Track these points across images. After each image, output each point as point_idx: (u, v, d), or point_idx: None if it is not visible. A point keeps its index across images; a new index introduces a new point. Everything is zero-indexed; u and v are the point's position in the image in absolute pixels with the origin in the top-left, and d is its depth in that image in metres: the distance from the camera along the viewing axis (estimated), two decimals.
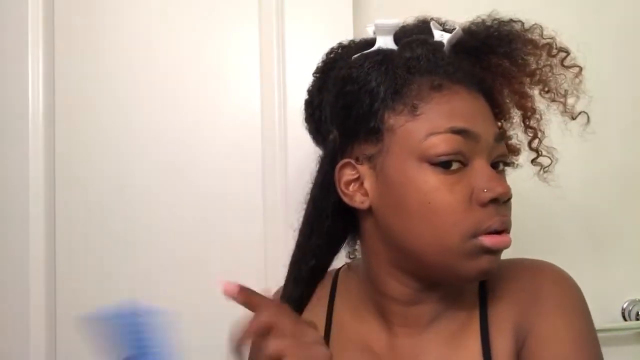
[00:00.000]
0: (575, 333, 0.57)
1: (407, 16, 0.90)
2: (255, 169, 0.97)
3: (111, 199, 0.96)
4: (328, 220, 0.63)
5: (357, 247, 0.70)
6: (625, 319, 1.04)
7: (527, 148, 0.66)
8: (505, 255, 0.66)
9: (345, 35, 0.97)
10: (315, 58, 0.96)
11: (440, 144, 0.55)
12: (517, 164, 0.66)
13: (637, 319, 1.03)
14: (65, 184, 0.97)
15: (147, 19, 0.99)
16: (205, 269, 0.96)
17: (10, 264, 0.95)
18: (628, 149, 1.06)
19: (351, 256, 0.73)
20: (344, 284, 0.69)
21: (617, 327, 1.02)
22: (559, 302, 0.58)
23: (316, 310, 0.67)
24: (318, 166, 0.64)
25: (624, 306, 1.04)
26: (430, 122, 0.56)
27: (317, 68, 0.68)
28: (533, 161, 0.65)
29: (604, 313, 1.00)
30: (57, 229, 0.96)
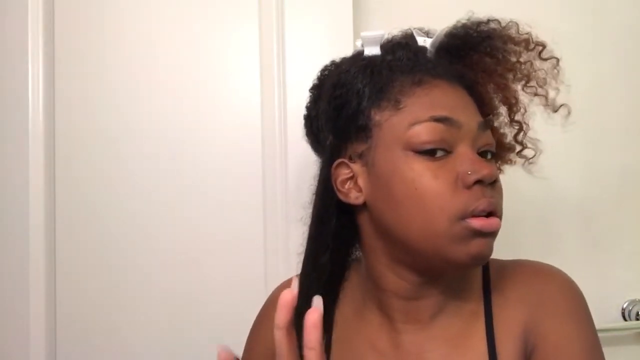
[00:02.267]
0: (584, 341, 0.58)
1: (405, 16, 0.91)
2: (255, 168, 0.97)
3: (111, 198, 0.96)
4: (333, 221, 0.64)
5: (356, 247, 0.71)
6: (625, 319, 1.04)
7: (513, 141, 0.67)
8: (507, 256, 0.66)
9: (346, 35, 0.97)
10: (315, 58, 0.96)
11: (423, 132, 0.57)
12: (514, 162, 0.67)
13: (637, 319, 1.03)
14: (65, 184, 0.97)
15: (147, 19, 0.98)
16: (205, 268, 0.96)
17: (10, 264, 0.95)
18: (628, 149, 1.06)
19: (352, 257, 0.73)
20: (346, 286, 0.70)
21: (617, 327, 1.02)
22: (569, 310, 0.59)
23: None
24: (319, 171, 0.66)
25: (624, 306, 1.04)
26: (412, 113, 0.59)
27: (313, 85, 0.71)
28: (518, 153, 0.67)
29: (604, 313, 1.00)
30: (57, 229, 0.96)
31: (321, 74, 0.71)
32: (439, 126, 0.57)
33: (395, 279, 0.62)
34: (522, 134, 0.66)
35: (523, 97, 0.65)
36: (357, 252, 0.71)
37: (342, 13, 0.98)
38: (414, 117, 0.58)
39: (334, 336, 0.67)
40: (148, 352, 0.95)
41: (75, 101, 0.97)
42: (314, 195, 0.66)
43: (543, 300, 0.60)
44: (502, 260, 0.65)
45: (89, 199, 0.96)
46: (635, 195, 1.06)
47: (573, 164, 1.01)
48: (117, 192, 0.96)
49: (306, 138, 0.72)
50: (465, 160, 0.57)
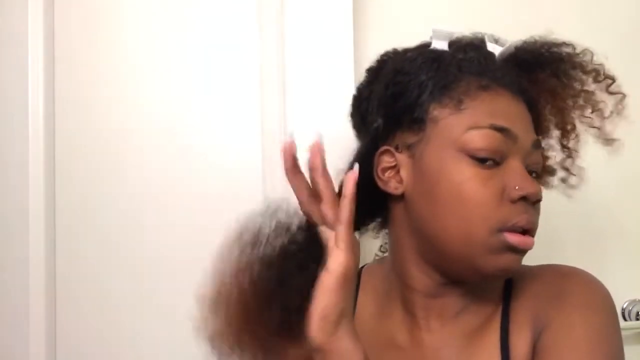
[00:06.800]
0: (592, 331, 0.57)
1: (405, 17, 0.90)
2: (255, 169, 0.97)
3: (111, 199, 0.96)
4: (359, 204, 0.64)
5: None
6: (625, 319, 1.04)
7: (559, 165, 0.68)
8: None
9: (345, 36, 0.97)
10: (315, 58, 0.96)
11: (480, 138, 0.57)
12: (551, 185, 0.67)
13: (637, 319, 1.03)
14: (65, 184, 0.97)
15: (147, 19, 0.99)
16: (205, 268, 0.96)
17: (10, 264, 0.95)
18: (628, 149, 1.06)
19: (382, 250, 0.76)
20: (368, 280, 0.71)
21: None
22: (580, 300, 0.58)
23: None
24: (356, 151, 0.65)
25: (624, 306, 1.04)
26: (473, 117, 0.58)
27: (370, 67, 0.71)
28: (563, 180, 0.68)
29: None
30: (57, 229, 0.96)
31: (380, 58, 0.70)
32: (497, 135, 0.57)
33: (420, 276, 0.63)
34: (570, 160, 0.67)
35: (578, 125, 0.65)
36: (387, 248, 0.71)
37: (342, 13, 0.98)
38: (474, 121, 0.58)
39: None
40: (149, 352, 0.95)
41: (74, 101, 0.98)
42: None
43: (555, 293, 0.60)
44: (529, 266, 0.65)
45: (89, 199, 0.97)
46: (636, 195, 1.06)
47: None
48: (116, 192, 0.97)
49: (350, 118, 0.72)
50: (515, 175, 0.57)
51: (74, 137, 0.97)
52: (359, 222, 0.66)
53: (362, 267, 0.73)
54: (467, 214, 0.57)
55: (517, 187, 0.57)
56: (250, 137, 0.97)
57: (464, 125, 0.58)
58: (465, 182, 0.57)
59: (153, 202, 0.96)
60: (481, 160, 0.57)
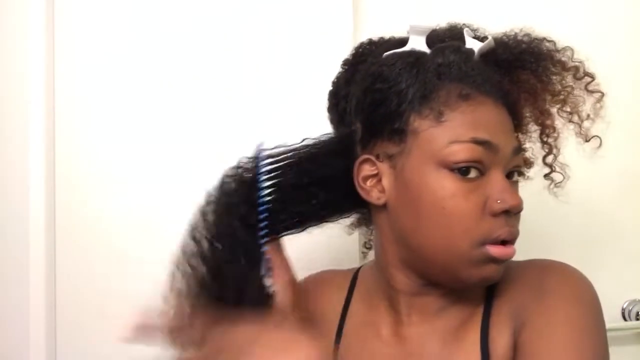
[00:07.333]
0: (572, 325, 0.56)
1: (405, 16, 0.90)
2: None
3: (111, 199, 0.96)
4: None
5: (372, 237, 0.74)
6: (625, 319, 1.04)
7: (541, 162, 0.67)
8: None
9: (345, 35, 0.97)
10: (314, 58, 0.96)
11: (461, 152, 0.56)
12: (528, 176, 0.67)
13: (637, 319, 1.03)
14: (65, 183, 0.97)
15: (146, 19, 0.99)
16: None
17: (10, 264, 0.95)
18: (628, 149, 1.06)
19: (367, 246, 0.78)
20: (363, 277, 0.72)
21: (617, 327, 1.02)
22: (560, 294, 0.58)
23: (335, 299, 0.71)
24: (332, 150, 0.63)
25: (624, 306, 1.04)
26: (453, 130, 0.57)
27: (346, 61, 0.70)
28: (546, 176, 0.67)
29: (604, 313, 1.00)
30: (57, 229, 0.96)
31: (356, 51, 0.69)
32: (478, 148, 0.56)
33: (404, 279, 0.64)
34: (551, 157, 0.66)
35: (557, 121, 0.65)
36: (371, 244, 0.73)
37: (342, 13, 0.98)
38: (454, 134, 0.57)
39: (347, 326, 0.69)
40: (149, 352, 0.95)
41: (75, 101, 0.97)
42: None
43: (535, 288, 0.60)
44: (514, 261, 0.64)
45: (89, 199, 0.96)
46: (635, 195, 1.06)
47: (573, 165, 1.01)
48: (117, 192, 0.97)
49: (328, 113, 0.71)
50: (497, 187, 0.57)
51: (74, 136, 0.97)
52: (327, 218, 0.65)
53: (359, 269, 0.74)
54: (449, 228, 0.57)
55: (498, 201, 0.56)
56: (250, 136, 0.97)
57: (445, 138, 0.57)
58: (448, 197, 0.57)
59: (153, 201, 0.96)
60: (463, 172, 0.57)
